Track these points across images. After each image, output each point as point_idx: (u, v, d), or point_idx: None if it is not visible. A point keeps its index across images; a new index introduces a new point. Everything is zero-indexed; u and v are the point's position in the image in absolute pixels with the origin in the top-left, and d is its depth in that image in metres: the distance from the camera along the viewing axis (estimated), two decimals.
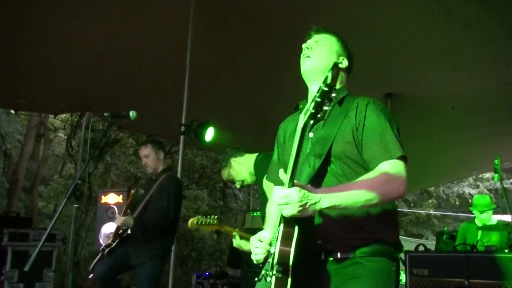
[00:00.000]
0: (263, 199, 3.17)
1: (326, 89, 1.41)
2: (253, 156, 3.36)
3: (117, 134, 11.62)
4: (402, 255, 4.27)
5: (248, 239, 3.07)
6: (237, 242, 3.17)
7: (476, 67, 4.89)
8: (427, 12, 4.01)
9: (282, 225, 1.55)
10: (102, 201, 4.54)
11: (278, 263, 1.51)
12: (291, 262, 1.50)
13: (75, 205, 2.71)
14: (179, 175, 4.33)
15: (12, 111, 7.12)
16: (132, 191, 3.79)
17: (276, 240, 1.55)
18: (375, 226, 1.67)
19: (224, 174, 3.51)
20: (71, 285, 2.71)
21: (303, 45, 1.88)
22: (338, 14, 4.06)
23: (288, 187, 1.48)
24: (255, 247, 1.73)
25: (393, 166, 1.61)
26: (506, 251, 3.98)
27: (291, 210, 1.46)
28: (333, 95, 1.64)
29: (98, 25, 4.35)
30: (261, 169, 3.12)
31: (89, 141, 3.58)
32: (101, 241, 4.42)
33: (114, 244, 3.73)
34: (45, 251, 5.37)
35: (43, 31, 4.42)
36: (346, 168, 1.70)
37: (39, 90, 5.72)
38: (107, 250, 3.71)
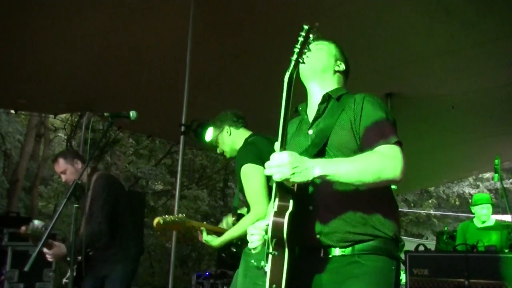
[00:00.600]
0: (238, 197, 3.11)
1: None
2: (245, 135, 3.14)
3: (117, 134, 11.63)
4: (402, 255, 4.28)
5: (217, 233, 2.99)
6: (205, 237, 2.96)
7: (476, 67, 4.89)
8: (427, 12, 4.01)
9: (277, 199, 1.54)
10: None
11: (272, 236, 1.49)
12: (285, 234, 1.47)
13: (75, 205, 2.71)
14: (179, 175, 4.30)
15: (12, 111, 7.13)
16: (23, 228, 3.27)
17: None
18: (375, 222, 1.66)
19: (212, 134, 3.31)
20: (71, 285, 2.71)
21: None
22: (339, 14, 4.06)
23: (280, 152, 1.47)
24: (251, 234, 1.70)
25: (390, 149, 1.61)
26: (506, 251, 3.98)
27: (282, 174, 1.44)
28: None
29: (98, 25, 4.35)
30: (243, 156, 2.91)
31: (89, 141, 3.56)
32: None
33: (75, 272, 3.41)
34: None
35: (43, 31, 4.42)
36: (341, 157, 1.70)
37: (39, 90, 5.72)
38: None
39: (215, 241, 2.92)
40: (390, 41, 4.49)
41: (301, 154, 1.63)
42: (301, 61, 1.53)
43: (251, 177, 2.82)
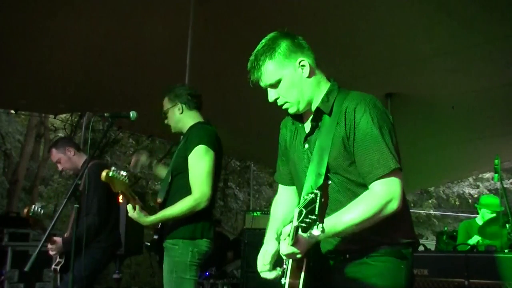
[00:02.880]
0: (164, 186, 2.90)
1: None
2: (197, 118, 3.06)
3: (117, 134, 11.64)
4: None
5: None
6: (133, 213, 2.67)
7: (476, 67, 4.89)
8: (427, 12, 4.01)
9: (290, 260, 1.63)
10: None
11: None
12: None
13: (75, 205, 2.71)
14: None
15: (12, 111, 7.13)
16: (25, 211, 3.32)
17: (286, 272, 1.63)
18: (384, 229, 1.63)
19: (165, 104, 3.17)
20: (71, 285, 2.71)
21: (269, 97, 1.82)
22: (339, 14, 4.06)
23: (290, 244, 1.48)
24: (261, 271, 1.77)
25: (386, 185, 1.59)
26: (506, 251, 3.98)
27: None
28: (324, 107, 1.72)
29: (98, 25, 4.35)
30: (202, 136, 2.86)
31: (89, 141, 3.57)
32: None
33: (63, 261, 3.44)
34: (45, 251, 5.36)
35: (43, 31, 4.42)
36: (342, 180, 1.69)
37: (39, 90, 5.72)
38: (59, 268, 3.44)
39: (145, 219, 2.68)
40: (390, 41, 4.48)
41: (304, 170, 1.75)
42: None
43: (204, 159, 2.77)
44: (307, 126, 1.81)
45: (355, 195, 1.65)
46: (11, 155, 13.90)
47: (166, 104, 3.14)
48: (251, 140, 7.25)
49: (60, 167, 3.65)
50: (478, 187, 19.23)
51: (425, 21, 4.15)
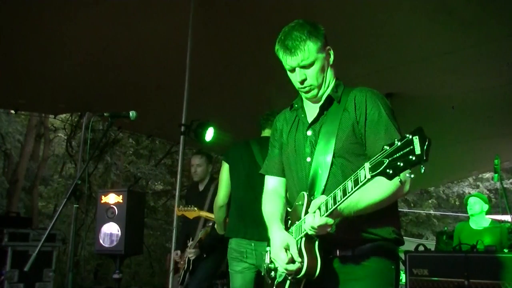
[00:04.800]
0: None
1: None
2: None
3: (117, 134, 11.62)
4: (402, 255, 4.28)
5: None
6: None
7: (476, 67, 4.89)
8: (427, 12, 4.01)
9: (304, 239, 1.65)
10: (102, 201, 4.53)
11: (305, 274, 1.61)
12: (317, 272, 1.62)
13: (75, 205, 2.71)
14: (179, 175, 4.33)
15: (12, 111, 7.11)
16: (202, 233, 4.11)
17: (301, 253, 1.64)
18: (373, 224, 1.69)
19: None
20: (71, 285, 2.71)
21: (292, 76, 1.83)
22: (339, 14, 4.06)
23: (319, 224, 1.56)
24: (287, 264, 1.67)
25: None
26: (506, 251, 3.98)
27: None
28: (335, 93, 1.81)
29: (98, 25, 4.35)
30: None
31: (89, 141, 3.57)
32: (101, 241, 4.42)
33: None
34: (45, 251, 5.38)
35: (43, 31, 4.42)
36: (346, 164, 1.73)
37: (39, 90, 5.72)
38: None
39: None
40: (390, 41, 4.49)
41: (304, 157, 1.81)
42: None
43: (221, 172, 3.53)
44: (310, 115, 1.87)
45: None
46: (11, 155, 13.89)
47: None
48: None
49: (195, 169, 4.41)
50: (478, 187, 19.23)
51: (425, 21, 4.15)
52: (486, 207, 4.75)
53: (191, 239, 4.29)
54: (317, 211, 1.56)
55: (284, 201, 1.97)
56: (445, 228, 6.41)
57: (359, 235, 1.68)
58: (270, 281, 1.85)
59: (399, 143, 1.28)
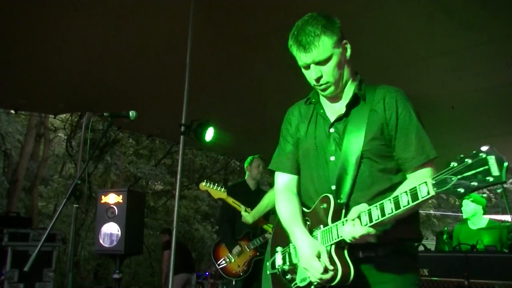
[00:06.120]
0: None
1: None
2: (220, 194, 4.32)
3: (117, 134, 11.63)
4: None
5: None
6: (243, 212, 4.14)
7: (476, 67, 4.88)
8: (427, 12, 4.01)
9: (333, 245, 1.61)
10: (102, 201, 4.52)
11: (339, 282, 1.56)
12: (351, 279, 1.58)
13: (75, 205, 2.72)
14: (179, 175, 4.33)
15: (12, 111, 7.11)
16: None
17: (331, 258, 1.60)
18: (396, 225, 1.62)
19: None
20: (71, 285, 2.71)
21: (307, 73, 1.75)
22: (339, 13, 4.05)
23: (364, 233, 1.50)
24: (322, 274, 1.57)
25: (429, 174, 1.61)
26: (506, 251, 3.98)
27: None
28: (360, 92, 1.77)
29: (98, 25, 4.35)
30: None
31: (89, 141, 3.58)
32: (101, 241, 4.42)
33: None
34: (45, 251, 5.39)
35: (43, 31, 4.42)
36: (374, 165, 1.68)
37: (39, 90, 5.72)
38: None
39: (249, 216, 4.12)
40: (390, 41, 4.48)
41: (328, 155, 1.74)
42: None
43: None
44: (330, 111, 1.80)
45: (383, 180, 1.68)
46: (11, 155, 13.90)
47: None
48: (251, 140, 7.25)
49: (262, 169, 4.64)
50: None
51: (425, 21, 4.14)
52: (479, 207, 4.75)
53: (250, 232, 4.44)
54: (357, 219, 1.50)
55: (299, 200, 1.85)
56: (445, 228, 6.41)
57: (383, 236, 1.62)
58: (287, 282, 1.78)
59: (469, 161, 1.24)
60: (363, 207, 1.51)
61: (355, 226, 1.50)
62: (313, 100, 1.85)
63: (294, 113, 1.93)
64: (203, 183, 4.37)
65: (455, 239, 4.78)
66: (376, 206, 1.48)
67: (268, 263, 1.94)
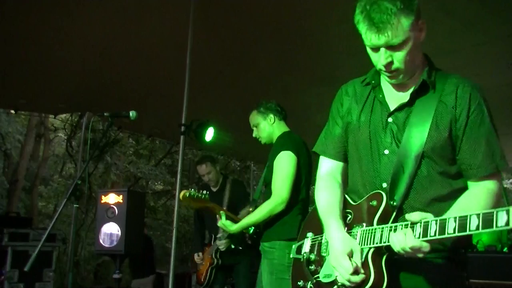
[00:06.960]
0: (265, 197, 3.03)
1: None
2: (284, 128, 3.19)
3: (117, 134, 11.63)
4: None
5: (233, 220, 3.19)
6: (223, 221, 3.17)
7: (476, 67, 4.88)
8: (427, 12, 4.00)
9: (372, 249, 1.44)
10: (102, 201, 4.52)
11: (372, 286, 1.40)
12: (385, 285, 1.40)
13: (75, 205, 2.72)
14: (179, 175, 4.33)
15: (12, 111, 7.11)
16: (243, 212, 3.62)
17: (366, 262, 1.43)
18: None
19: (254, 117, 3.38)
20: (71, 285, 2.71)
21: (373, 56, 1.53)
22: (339, 13, 4.05)
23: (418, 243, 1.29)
24: (351, 275, 1.40)
25: (498, 185, 1.45)
26: (505, 251, 3.99)
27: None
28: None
29: (98, 25, 4.35)
30: (285, 144, 2.94)
31: (89, 141, 3.58)
32: (101, 241, 4.42)
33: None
34: (45, 251, 5.38)
35: (43, 31, 4.42)
36: (434, 166, 1.49)
37: (39, 90, 5.72)
38: None
39: (232, 226, 3.10)
40: None
41: (382, 147, 1.52)
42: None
43: (285, 163, 2.88)
44: (391, 97, 1.57)
45: (442, 184, 1.49)
46: (11, 155, 13.90)
47: (256, 117, 3.34)
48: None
49: (208, 177, 4.26)
50: None
51: (425, 21, 4.14)
52: None
53: (213, 236, 4.32)
54: (409, 228, 1.30)
55: (343, 190, 1.66)
56: None
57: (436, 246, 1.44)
58: (308, 273, 1.63)
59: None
60: (419, 215, 1.30)
61: (406, 235, 1.30)
62: (373, 81, 1.61)
63: (349, 91, 1.69)
64: (184, 193, 3.34)
65: None
66: (435, 220, 1.27)
67: (294, 246, 1.79)
